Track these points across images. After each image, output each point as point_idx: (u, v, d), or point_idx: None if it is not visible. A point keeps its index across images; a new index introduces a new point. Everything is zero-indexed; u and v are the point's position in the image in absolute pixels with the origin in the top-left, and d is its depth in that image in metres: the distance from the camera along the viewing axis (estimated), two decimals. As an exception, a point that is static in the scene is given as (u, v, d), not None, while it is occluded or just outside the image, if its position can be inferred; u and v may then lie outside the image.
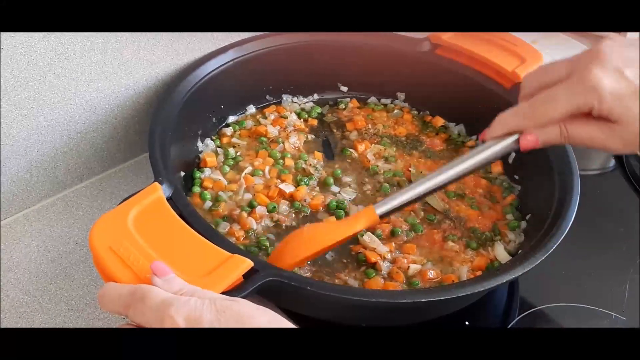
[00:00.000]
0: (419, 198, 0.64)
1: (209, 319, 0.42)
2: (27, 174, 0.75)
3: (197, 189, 0.76)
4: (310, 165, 0.81)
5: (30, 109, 0.71)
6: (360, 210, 0.70)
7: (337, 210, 0.75)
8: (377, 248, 0.70)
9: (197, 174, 0.78)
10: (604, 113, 0.53)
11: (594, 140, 0.55)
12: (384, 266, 0.68)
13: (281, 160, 0.81)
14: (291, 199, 0.76)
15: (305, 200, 0.76)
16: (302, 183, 0.77)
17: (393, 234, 0.72)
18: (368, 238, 0.71)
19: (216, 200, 0.75)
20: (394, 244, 0.71)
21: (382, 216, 0.64)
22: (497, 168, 0.82)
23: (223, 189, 0.77)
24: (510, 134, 0.58)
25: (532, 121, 0.56)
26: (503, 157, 0.62)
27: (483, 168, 0.65)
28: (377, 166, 0.82)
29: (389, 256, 0.70)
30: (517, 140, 0.58)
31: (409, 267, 0.68)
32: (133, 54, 0.77)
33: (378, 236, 0.71)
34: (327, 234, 0.65)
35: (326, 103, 0.93)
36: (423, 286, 0.67)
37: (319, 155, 0.83)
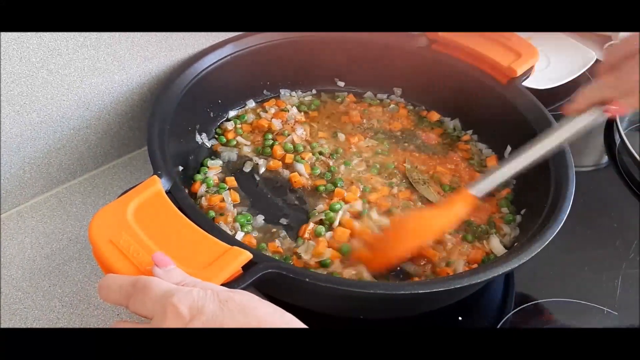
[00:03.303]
0: (511, 175, 0.68)
1: (212, 309, 0.42)
2: (20, 171, 0.75)
3: (199, 177, 0.77)
4: (328, 155, 0.83)
5: (23, 105, 0.70)
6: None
7: (328, 185, 0.77)
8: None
9: (206, 162, 0.80)
10: None
11: None
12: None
13: (297, 154, 0.82)
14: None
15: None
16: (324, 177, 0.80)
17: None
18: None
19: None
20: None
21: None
22: (492, 162, 0.83)
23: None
24: (593, 105, 0.63)
25: (618, 89, 0.60)
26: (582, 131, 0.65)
27: (570, 141, 0.68)
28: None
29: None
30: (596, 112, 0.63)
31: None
32: (126, 50, 0.77)
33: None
34: (432, 218, 0.69)
35: (323, 96, 0.94)
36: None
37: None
